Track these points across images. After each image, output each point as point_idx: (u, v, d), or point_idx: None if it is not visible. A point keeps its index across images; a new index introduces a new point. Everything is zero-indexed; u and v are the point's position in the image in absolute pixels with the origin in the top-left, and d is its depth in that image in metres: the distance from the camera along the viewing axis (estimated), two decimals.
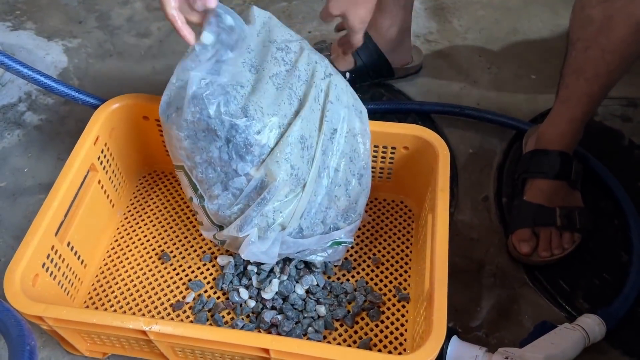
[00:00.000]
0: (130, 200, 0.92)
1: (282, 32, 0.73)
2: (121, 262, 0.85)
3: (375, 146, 0.84)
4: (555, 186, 0.85)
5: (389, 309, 0.79)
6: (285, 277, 0.80)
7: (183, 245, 0.87)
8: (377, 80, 1.12)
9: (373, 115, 1.03)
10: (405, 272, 0.83)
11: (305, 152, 0.69)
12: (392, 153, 0.85)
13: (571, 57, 0.80)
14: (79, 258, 0.80)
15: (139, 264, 0.85)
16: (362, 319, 0.78)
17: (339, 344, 0.76)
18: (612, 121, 1.05)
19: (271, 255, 0.73)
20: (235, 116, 0.67)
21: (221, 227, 0.74)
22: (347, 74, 1.08)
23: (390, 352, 0.75)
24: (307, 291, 0.80)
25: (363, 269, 0.84)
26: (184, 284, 0.82)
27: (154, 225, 0.89)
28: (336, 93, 0.73)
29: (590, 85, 0.79)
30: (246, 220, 0.71)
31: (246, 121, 0.67)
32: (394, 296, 0.81)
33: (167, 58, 1.19)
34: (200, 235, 0.87)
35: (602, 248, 0.87)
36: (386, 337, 0.77)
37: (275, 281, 0.80)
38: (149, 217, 0.90)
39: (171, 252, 0.86)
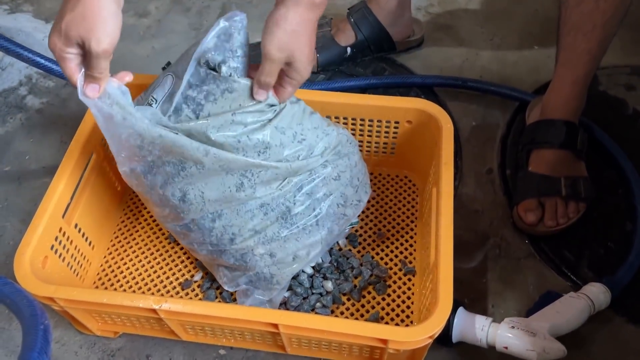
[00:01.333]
0: None
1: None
2: (128, 242, 0.86)
3: (378, 121, 0.84)
4: (561, 156, 0.85)
5: (395, 282, 0.80)
6: None
7: None
8: (379, 55, 1.11)
9: (375, 90, 1.03)
10: (411, 245, 0.84)
11: (271, 213, 0.68)
12: (395, 127, 0.84)
13: (565, 15, 0.80)
14: (86, 240, 0.80)
15: (146, 244, 0.85)
16: (369, 292, 0.79)
17: (347, 317, 0.77)
18: (616, 90, 1.04)
19: (275, 302, 0.75)
20: (176, 197, 0.67)
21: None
22: (348, 49, 1.07)
23: (397, 325, 0.76)
24: (313, 268, 0.81)
25: (369, 244, 0.84)
26: (191, 262, 0.83)
27: None
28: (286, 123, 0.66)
29: (588, 40, 0.79)
30: (234, 279, 0.73)
31: (185, 207, 0.67)
32: (400, 270, 0.81)
33: (166, 38, 1.18)
34: None
35: (606, 217, 0.87)
36: (393, 310, 0.78)
37: None
38: None
39: None
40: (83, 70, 0.58)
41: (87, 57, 0.56)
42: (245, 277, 0.72)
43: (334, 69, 1.09)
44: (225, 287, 0.75)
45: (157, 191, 0.67)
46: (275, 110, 0.65)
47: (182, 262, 0.83)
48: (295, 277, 0.79)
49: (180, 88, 0.64)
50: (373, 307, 0.78)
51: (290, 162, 0.66)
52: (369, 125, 0.85)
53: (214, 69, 0.63)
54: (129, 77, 0.62)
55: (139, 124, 0.62)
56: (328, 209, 0.71)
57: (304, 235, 0.70)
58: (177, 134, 0.63)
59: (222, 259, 0.71)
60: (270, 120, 0.65)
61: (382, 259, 0.83)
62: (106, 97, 0.60)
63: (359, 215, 0.86)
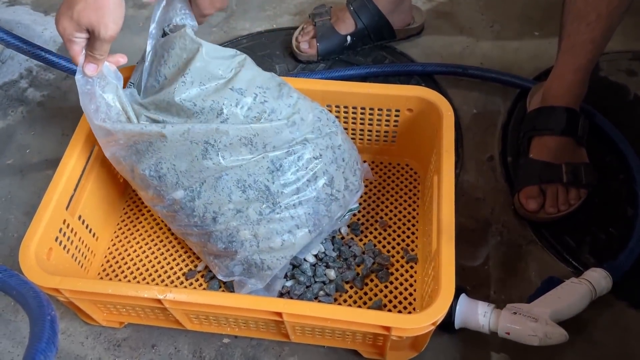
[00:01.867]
0: None
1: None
2: (132, 233, 0.86)
3: (379, 109, 0.84)
4: (562, 142, 0.85)
5: (397, 270, 0.81)
6: None
7: None
8: (379, 43, 1.10)
9: (376, 78, 1.03)
10: (413, 233, 0.84)
11: (250, 191, 0.68)
12: (396, 116, 0.84)
13: (570, 3, 0.79)
14: (90, 231, 0.81)
15: (149, 235, 0.86)
16: (372, 280, 0.80)
17: (350, 305, 0.78)
18: (617, 76, 1.04)
19: (274, 289, 0.75)
20: (151, 176, 0.69)
21: None
22: (348, 38, 1.07)
23: (400, 312, 0.77)
24: (316, 256, 0.81)
25: (370, 232, 0.84)
26: (194, 252, 0.83)
27: None
28: (262, 100, 0.68)
29: (592, 30, 0.79)
30: (227, 267, 0.73)
31: (163, 183, 0.69)
32: (402, 257, 0.82)
33: None
34: None
35: (607, 203, 0.87)
36: (395, 297, 0.78)
37: None
38: None
39: None
40: (84, 51, 0.65)
41: (92, 40, 0.63)
42: (237, 263, 0.72)
43: (334, 57, 1.09)
44: (220, 278, 0.75)
45: (137, 173, 0.70)
46: (232, 69, 0.68)
47: (186, 252, 0.84)
48: (298, 266, 0.79)
49: (145, 65, 0.71)
50: (376, 295, 0.78)
51: (252, 124, 0.67)
52: (370, 114, 0.85)
53: (164, 35, 0.70)
54: (123, 59, 0.70)
55: (108, 116, 0.68)
56: (312, 190, 0.70)
57: (288, 216, 0.70)
58: (143, 115, 0.68)
59: (210, 243, 0.72)
60: (228, 79, 0.67)
61: (384, 247, 0.83)
62: (102, 79, 0.67)
63: (360, 204, 0.86)
